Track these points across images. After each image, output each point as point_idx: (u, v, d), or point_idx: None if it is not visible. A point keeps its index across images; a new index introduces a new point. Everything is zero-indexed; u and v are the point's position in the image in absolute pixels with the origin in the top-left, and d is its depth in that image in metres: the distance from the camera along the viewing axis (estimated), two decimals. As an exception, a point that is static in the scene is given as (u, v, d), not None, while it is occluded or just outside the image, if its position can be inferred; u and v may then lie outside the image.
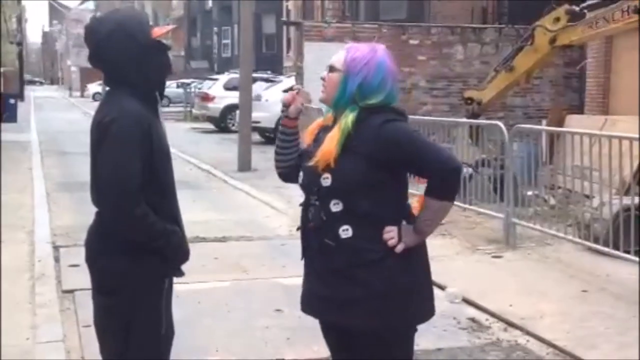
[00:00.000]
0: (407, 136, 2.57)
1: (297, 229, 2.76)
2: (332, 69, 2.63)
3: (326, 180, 2.58)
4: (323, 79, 2.67)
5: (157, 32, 2.68)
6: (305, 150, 2.75)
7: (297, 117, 2.80)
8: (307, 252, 2.70)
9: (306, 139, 2.78)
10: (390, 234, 2.58)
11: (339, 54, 2.65)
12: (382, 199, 2.58)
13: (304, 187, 2.70)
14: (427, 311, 2.70)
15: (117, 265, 2.61)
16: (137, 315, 2.62)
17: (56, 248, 6.93)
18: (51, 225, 7.94)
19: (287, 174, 2.85)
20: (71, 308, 5.28)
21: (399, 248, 2.57)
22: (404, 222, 2.62)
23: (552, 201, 7.70)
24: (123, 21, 2.62)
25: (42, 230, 7.66)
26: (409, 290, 2.59)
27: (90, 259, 2.71)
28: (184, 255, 2.73)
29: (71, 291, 5.55)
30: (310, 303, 2.71)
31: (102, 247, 2.65)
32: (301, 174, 2.71)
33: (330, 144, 2.57)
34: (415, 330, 2.72)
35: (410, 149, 2.54)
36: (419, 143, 2.57)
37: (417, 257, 2.64)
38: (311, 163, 2.62)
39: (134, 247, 2.57)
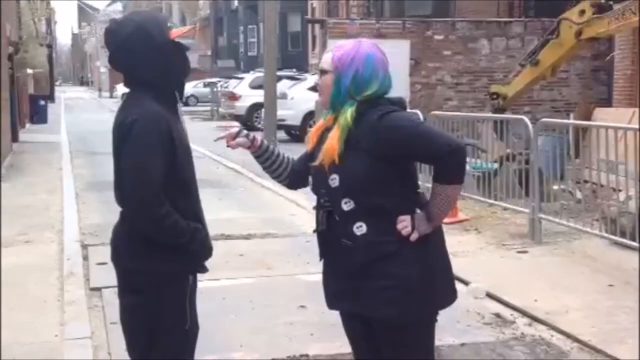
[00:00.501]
0: (405, 124, 2.58)
1: (314, 231, 2.78)
2: (323, 72, 2.67)
3: (334, 181, 2.62)
4: (317, 84, 2.72)
5: (175, 33, 2.72)
6: (310, 153, 2.78)
7: (251, 143, 2.84)
8: (326, 252, 2.74)
9: (310, 142, 2.81)
10: (404, 223, 2.60)
11: (325, 56, 2.69)
12: (392, 192, 2.61)
13: (314, 190, 2.74)
14: (447, 297, 2.71)
15: (141, 263, 2.65)
16: (163, 312, 2.66)
17: (84, 247, 7.04)
18: (80, 224, 8.08)
19: (290, 184, 2.91)
20: (99, 305, 5.36)
21: (414, 237, 2.59)
22: (417, 211, 2.64)
23: (580, 195, 7.62)
24: (142, 23, 2.66)
25: (71, 230, 7.79)
26: (427, 277, 2.61)
27: (116, 258, 2.76)
28: (208, 252, 2.77)
29: (99, 289, 5.64)
30: (334, 299, 2.74)
31: (126, 246, 2.69)
32: (310, 179, 2.77)
33: (333, 141, 2.61)
34: (436, 320, 2.73)
35: (410, 136, 2.56)
36: (418, 129, 2.58)
37: (433, 244, 2.66)
38: (316, 163, 2.67)
39: (158, 246, 2.61)
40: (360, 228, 2.60)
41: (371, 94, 2.62)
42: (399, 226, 2.60)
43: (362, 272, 2.62)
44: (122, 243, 2.71)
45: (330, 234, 2.66)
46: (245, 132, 2.83)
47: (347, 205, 2.61)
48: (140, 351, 2.74)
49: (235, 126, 2.85)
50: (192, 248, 2.67)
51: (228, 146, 2.84)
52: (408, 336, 2.67)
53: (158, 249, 2.61)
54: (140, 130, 2.55)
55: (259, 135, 2.98)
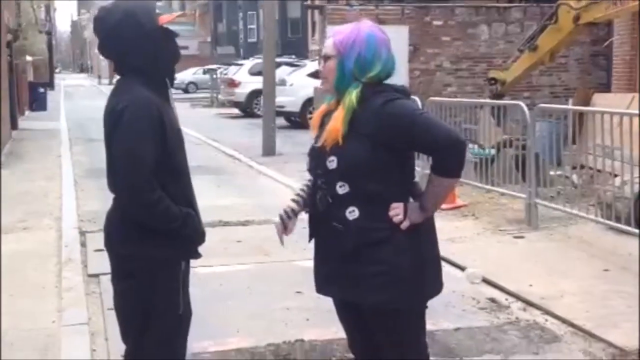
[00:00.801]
0: (408, 113, 2.58)
1: (306, 212, 2.79)
2: (326, 58, 2.67)
3: (332, 162, 2.61)
4: (320, 71, 2.72)
5: (164, 19, 2.73)
6: (316, 137, 2.77)
7: (301, 209, 2.84)
8: (317, 234, 2.75)
9: (314, 127, 2.81)
10: (396, 210, 2.61)
11: (327, 42, 2.69)
12: (388, 179, 2.61)
13: (311, 170, 2.75)
14: (435, 287, 2.74)
15: (134, 249, 2.67)
16: (155, 297, 2.68)
17: (82, 233, 7.07)
18: (78, 211, 8.10)
19: None
20: (96, 291, 5.39)
21: (405, 225, 2.60)
22: (411, 200, 2.65)
23: (577, 181, 7.63)
24: (130, 10, 2.66)
25: (69, 216, 7.82)
26: (417, 266, 2.63)
27: (109, 244, 2.78)
28: (200, 237, 2.79)
29: (96, 275, 5.67)
30: (324, 283, 2.75)
31: (119, 231, 2.71)
32: (308, 158, 2.76)
33: (337, 122, 2.60)
34: (426, 307, 2.75)
35: (411, 125, 2.56)
36: (421, 119, 2.58)
37: (425, 234, 2.68)
38: (319, 144, 2.67)
39: (151, 231, 2.63)
40: (352, 213, 2.60)
41: (375, 75, 2.62)
42: (391, 213, 2.61)
43: (353, 257, 2.62)
44: (115, 229, 2.73)
45: (323, 216, 2.67)
46: (284, 214, 2.80)
47: (342, 188, 2.61)
48: (134, 336, 2.76)
49: (277, 222, 2.82)
50: (185, 233, 2.69)
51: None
52: (400, 323, 2.69)
53: (151, 234, 2.63)
54: (130, 116, 2.56)
55: (292, 203, 2.88)
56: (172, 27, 2.79)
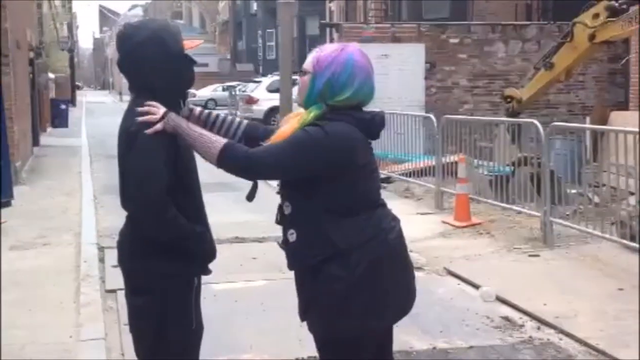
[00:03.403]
0: (291, 136, 2.53)
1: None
2: (303, 72, 2.64)
3: (280, 183, 2.67)
4: (297, 84, 2.72)
5: (188, 44, 2.77)
6: None
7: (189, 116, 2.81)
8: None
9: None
10: (155, 109, 2.60)
11: (308, 57, 2.66)
12: (322, 202, 2.55)
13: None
14: (373, 321, 2.59)
15: (147, 265, 2.71)
16: (168, 313, 2.72)
17: (101, 249, 7.14)
18: (97, 227, 8.18)
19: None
20: (113, 307, 5.46)
21: (158, 127, 2.56)
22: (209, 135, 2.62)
23: (596, 199, 7.61)
24: (157, 31, 2.70)
25: (88, 232, 7.90)
26: (345, 297, 2.52)
27: (122, 261, 2.83)
28: (211, 255, 2.83)
29: (114, 291, 5.73)
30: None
31: (132, 248, 2.76)
32: None
33: (287, 130, 2.58)
34: (366, 341, 2.63)
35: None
36: (279, 144, 2.54)
37: (357, 263, 2.53)
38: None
39: (163, 248, 2.67)
40: (292, 235, 2.61)
41: (344, 100, 2.56)
42: (151, 109, 2.58)
43: (297, 280, 2.66)
44: (127, 245, 2.78)
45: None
46: (173, 114, 2.66)
47: (287, 209, 2.63)
48: (146, 352, 2.80)
49: (157, 107, 2.66)
50: (197, 251, 2.74)
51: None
52: (326, 352, 2.65)
53: (162, 251, 2.67)
54: (144, 137, 2.61)
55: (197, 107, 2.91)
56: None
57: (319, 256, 2.53)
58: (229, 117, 2.90)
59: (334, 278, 2.51)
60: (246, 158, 2.55)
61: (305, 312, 2.66)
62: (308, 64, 2.62)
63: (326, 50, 2.61)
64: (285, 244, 2.65)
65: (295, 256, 2.61)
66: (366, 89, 2.60)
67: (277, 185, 2.71)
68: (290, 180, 2.60)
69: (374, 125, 2.64)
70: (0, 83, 8.16)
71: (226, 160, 2.55)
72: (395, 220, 2.70)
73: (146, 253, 2.70)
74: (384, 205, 2.69)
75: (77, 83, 50.75)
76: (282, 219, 2.65)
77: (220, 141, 2.58)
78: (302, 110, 2.69)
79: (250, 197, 2.72)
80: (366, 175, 2.63)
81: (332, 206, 2.55)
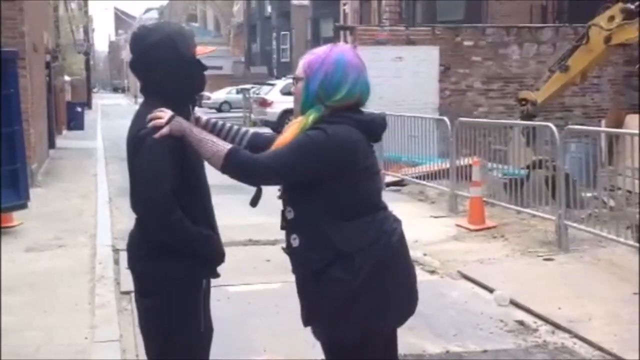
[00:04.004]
0: (293, 141, 2.53)
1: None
2: (296, 80, 2.64)
3: (282, 188, 2.66)
4: (293, 93, 2.70)
5: (200, 51, 2.78)
6: None
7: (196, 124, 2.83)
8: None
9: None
10: (162, 114, 2.61)
11: (299, 64, 2.65)
12: (324, 206, 2.55)
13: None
14: (376, 324, 2.58)
15: (155, 268, 2.73)
16: (176, 315, 2.74)
17: (116, 251, 7.18)
18: (112, 229, 8.23)
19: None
20: (128, 309, 5.49)
21: (164, 131, 2.58)
22: (213, 136, 2.65)
23: (612, 203, 7.56)
24: (171, 35, 2.73)
25: (103, 234, 7.96)
26: (348, 301, 2.52)
27: (131, 263, 2.85)
28: (219, 258, 2.84)
29: (128, 292, 5.75)
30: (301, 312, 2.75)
31: (141, 251, 2.78)
32: None
33: (289, 134, 2.58)
34: (372, 345, 2.61)
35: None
36: (281, 149, 2.55)
37: (360, 267, 2.52)
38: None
39: (171, 251, 2.69)
40: (295, 240, 2.61)
41: (341, 99, 2.55)
42: (158, 114, 2.59)
43: (299, 285, 2.66)
44: (136, 248, 2.80)
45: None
46: (180, 118, 2.65)
47: (289, 214, 2.63)
48: (155, 353, 2.82)
49: (165, 112, 2.65)
50: (204, 254, 2.75)
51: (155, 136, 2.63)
52: (340, 357, 2.63)
53: (169, 253, 2.69)
54: (152, 142, 2.62)
55: (204, 116, 2.95)
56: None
57: (322, 260, 2.53)
58: (235, 127, 2.92)
59: (338, 282, 2.51)
60: (250, 163, 2.56)
61: (308, 317, 2.67)
62: (300, 70, 2.62)
63: (316, 53, 2.61)
64: (288, 249, 2.65)
65: (299, 260, 2.61)
66: (361, 85, 2.59)
67: (279, 190, 2.72)
68: (292, 184, 2.61)
69: (375, 126, 2.64)
70: (17, 85, 8.21)
71: (231, 166, 2.56)
72: (397, 222, 2.69)
73: (153, 255, 2.72)
74: (385, 208, 2.69)
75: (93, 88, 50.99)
76: (285, 224, 2.66)
77: (225, 146, 2.59)
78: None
79: (254, 202, 2.71)
80: (367, 178, 2.62)
81: (334, 209, 2.55)
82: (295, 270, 2.67)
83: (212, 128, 2.87)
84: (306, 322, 2.69)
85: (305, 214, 2.58)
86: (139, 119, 2.72)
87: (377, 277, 2.54)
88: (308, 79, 2.57)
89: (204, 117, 2.92)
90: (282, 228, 2.69)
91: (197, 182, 2.80)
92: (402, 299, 2.65)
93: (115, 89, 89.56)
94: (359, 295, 2.52)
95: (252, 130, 2.93)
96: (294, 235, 2.60)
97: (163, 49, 2.68)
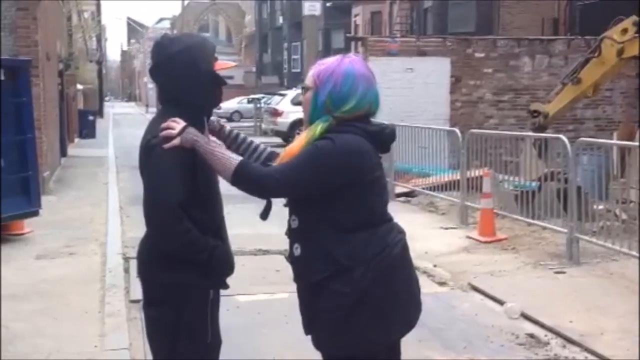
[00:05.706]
0: (300, 153, 2.52)
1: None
2: (305, 89, 2.63)
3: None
4: (302, 102, 2.69)
5: (219, 65, 2.78)
6: None
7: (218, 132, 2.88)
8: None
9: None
10: (174, 124, 2.60)
11: (308, 73, 2.64)
12: (328, 217, 2.54)
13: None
14: (376, 336, 2.55)
15: (161, 277, 2.73)
16: (183, 325, 2.73)
17: (126, 259, 7.18)
18: (122, 237, 8.25)
19: None
20: (138, 317, 5.47)
21: (175, 142, 2.58)
22: (213, 137, 2.70)
23: (624, 216, 7.51)
24: (192, 47, 2.73)
25: (113, 242, 7.97)
26: (349, 313, 2.50)
27: (140, 271, 2.85)
28: (228, 269, 2.83)
29: (138, 301, 5.74)
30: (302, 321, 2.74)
31: (150, 260, 2.78)
32: None
33: (297, 145, 2.56)
34: (374, 357, 2.59)
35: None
36: (289, 162, 2.55)
37: (360, 279, 2.51)
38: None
39: (180, 261, 2.69)
40: (297, 249, 2.60)
41: (349, 110, 2.54)
42: (171, 124, 2.59)
43: (300, 295, 2.65)
44: (145, 257, 2.80)
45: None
46: (192, 129, 2.64)
47: (293, 222, 2.62)
48: (163, 362, 2.82)
49: (177, 122, 2.65)
50: (212, 264, 2.73)
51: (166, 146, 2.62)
52: None
53: (179, 263, 2.69)
54: (160, 151, 2.62)
55: (227, 125, 2.97)
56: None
57: (322, 272, 2.51)
58: (254, 143, 2.92)
59: (338, 294, 2.49)
60: (259, 177, 2.56)
61: (308, 327, 2.66)
62: (309, 79, 2.60)
63: (325, 63, 2.60)
64: (290, 258, 2.65)
65: (300, 271, 2.61)
66: (370, 97, 2.58)
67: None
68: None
69: (384, 137, 2.62)
70: (30, 94, 8.26)
71: (240, 178, 2.56)
72: (401, 232, 2.67)
73: (161, 264, 2.72)
74: (390, 220, 2.66)
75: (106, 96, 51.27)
76: (289, 232, 2.65)
77: (236, 159, 2.59)
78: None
79: (264, 215, 2.71)
80: (375, 190, 2.59)
81: (338, 221, 2.53)
82: (296, 279, 2.66)
83: (233, 140, 2.88)
84: (307, 331, 2.69)
85: (308, 224, 2.57)
86: (153, 127, 2.72)
87: (378, 289, 2.52)
88: (317, 89, 2.57)
89: (228, 127, 2.92)
90: (287, 235, 2.69)
91: (209, 193, 2.79)
92: (404, 311, 2.61)
93: (130, 98, 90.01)
94: (358, 307, 2.50)
95: (269, 149, 2.92)
96: (296, 245, 2.60)
97: (180, 61, 2.69)
